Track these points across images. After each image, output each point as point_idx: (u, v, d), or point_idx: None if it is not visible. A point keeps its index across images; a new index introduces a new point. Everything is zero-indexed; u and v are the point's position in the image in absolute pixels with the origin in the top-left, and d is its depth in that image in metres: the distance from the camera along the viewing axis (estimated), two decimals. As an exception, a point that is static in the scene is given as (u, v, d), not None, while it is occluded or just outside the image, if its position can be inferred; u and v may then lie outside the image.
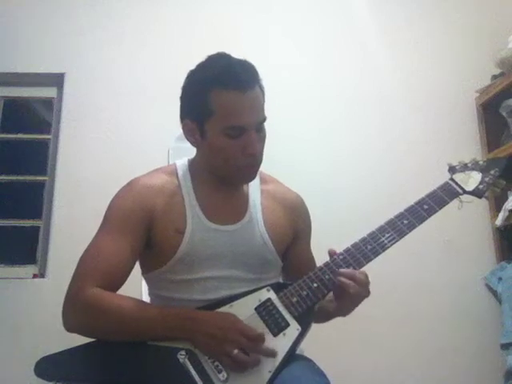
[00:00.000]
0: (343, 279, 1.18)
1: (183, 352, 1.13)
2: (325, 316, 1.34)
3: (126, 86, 2.75)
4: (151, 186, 1.30)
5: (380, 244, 1.24)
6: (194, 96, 1.27)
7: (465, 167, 1.44)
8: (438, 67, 2.86)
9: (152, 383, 1.12)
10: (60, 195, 2.61)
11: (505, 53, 2.59)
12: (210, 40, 2.64)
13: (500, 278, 2.51)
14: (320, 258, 1.28)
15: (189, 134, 1.31)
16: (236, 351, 1.09)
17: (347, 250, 1.24)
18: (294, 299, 1.19)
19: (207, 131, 1.26)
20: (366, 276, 1.22)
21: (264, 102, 1.29)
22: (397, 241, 1.25)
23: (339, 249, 1.25)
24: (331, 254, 1.24)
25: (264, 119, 1.28)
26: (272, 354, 1.12)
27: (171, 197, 1.29)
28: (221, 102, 1.22)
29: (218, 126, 1.23)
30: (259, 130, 1.26)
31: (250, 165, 1.28)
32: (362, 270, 1.22)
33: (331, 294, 1.22)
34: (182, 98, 1.32)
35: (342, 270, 1.20)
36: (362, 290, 1.19)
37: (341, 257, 1.23)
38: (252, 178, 1.33)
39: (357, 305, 1.24)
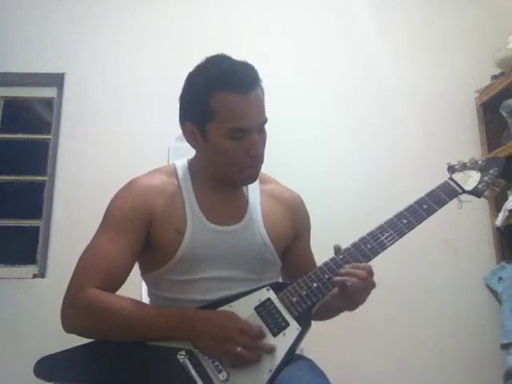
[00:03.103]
0: (341, 277, 1.18)
1: (183, 352, 1.13)
2: (332, 312, 1.34)
3: (126, 86, 2.75)
4: (151, 186, 1.30)
5: (379, 243, 1.24)
6: (196, 98, 1.27)
7: (464, 166, 1.44)
8: (438, 67, 2.86)
9: (152, 383, 1.12)
10: (60, 195, 2.61)
11: (505, 53, 2.59)
12: (209, 40, 2.64)
13: (500, 278, 2.51)
14: (320, 257, 1.28)
15: (190, 136, 1.30)
16: (239, 349, 1.09)
17: (347, 250, 1.24)
18: (294, 299, 1.19)
19: (209, 134, 1.25)
20: (368, 269, 1.20)
21: (264, 102, 1.29)
22: (396, 240, 1.25)
23: (339, 248, 1.25)
24: (337, 249, 1.23)
25: (266, 120, 1.28)
26: (272, 350, 1.12)
27: (171, 197, 1.29)
28: (223, 105, 1.22)
29: (221, 128, 1.23)
30: (261, 131, 1.27)
31: (252, 166, 1.28)
32: (364, 264, 1.21)
33: (336, 288, 1.21)
34: (183, 101, 1.31)
35: (341, 270, 1.19)
36: (363, 285, 1.18)
37: (340, 256, 1.23)
38: (254, 179, 1.33)
39: (363, 299, 1.22)
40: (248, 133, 1.23)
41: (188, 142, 1.32)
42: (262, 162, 1.31)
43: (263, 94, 1.28)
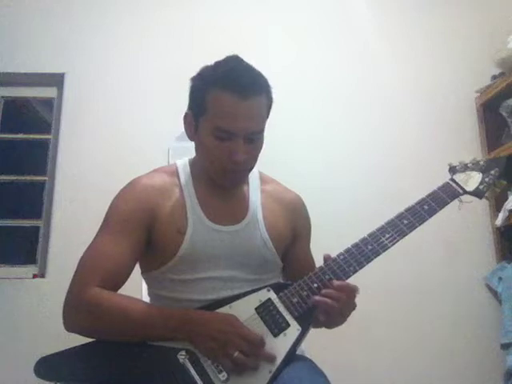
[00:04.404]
0: (319, 298, 1.16)
1: (183, 352, 1.13)
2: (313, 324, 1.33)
3: (126, 85, 2.75)
4: (152, 186, 1.30)
5: (380, 244, 1.24)
6: (195, 90, 1.29)
7: (465, 167, 1.44)
8: (438, 67, 2.86)
9: (152, 383, 1.12)
10: (60, 195, 2.61)
11: (505, 53, 2.59)
12: (210, 40, 2.65)
13: (500, 278, 2.51)
14: (319, 258, 1.28)
15: (187, 125, 1.32)
16: (237, 353, 1.09)
17: (348, 251, 1.24)
18: (295, 299, 1.19)
19: (199, 127, 1.27)
20: (351, 291, 1.18)
21: (266, 114, 1.28)
22: (397, 241, 1.25)
23: (339, 249, 1.25)
24: (326, 259, 1.23)
25: (258, 131, 1.26)
26: (271, 358, 1.12)
27: (172, 197, 1.29)
28: (215, 102, 1.22)
29: (208, 124, 1.24)
30: (250, 140, 1.24)
31: (233, 170, 1.27)
32: (348, 285, 1.19)
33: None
34: (190, 89, 1.32)
35: (322, 291, 1.17)
36: (341, 307, 1.17)
37: (341, 257, 1.22)
38: (235, 183, 1.33)
39: (342, 320, 1.22)
40: (233, 136, 1.22)
41: (185, 130, 1.33)
42: (246, 170, 1.30)
43: (268, 105, 1.27)
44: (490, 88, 2.72)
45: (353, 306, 1.21)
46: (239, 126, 1.22)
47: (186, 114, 1.32)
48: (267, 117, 1.29)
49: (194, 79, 1.31)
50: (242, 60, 1.27)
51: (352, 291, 1.19)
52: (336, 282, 1.18)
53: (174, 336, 1.13)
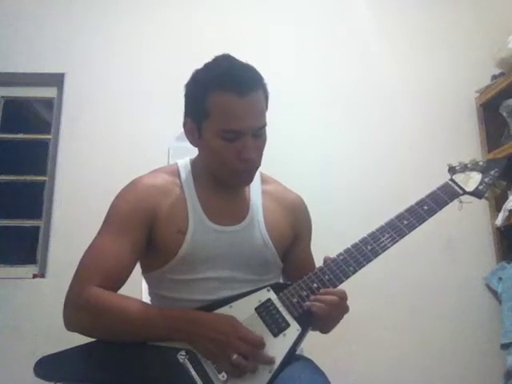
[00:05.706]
0: (311, 303, 1.18)
1: (183, 352, 1.13)
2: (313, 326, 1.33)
3: (126, 85, 2.75)
4: (153, 186, 1.30)
5: (380, 244, 1.24)
6: (194, 96, 1.27)
7: (465, 168, 1.44)
8: (438, 67, 2.86)
9: (152, 383, 1.12)
10: (60, 195, 2.61)
11: (505, 53, 2.59)
12: (210, 40, 2.64)
13: (500, 278, 2.51)
14: (319, 258, 1.28)
15: (188, 132, 1.31)
16: (235, 356, 1.09)
17: (347, 251, 1.24)
18: (294, 299, 1.19)
19: (204, 131, 1.26)
20: (341, 296, 1.19)
21: (266, 107, 1.28)
22: (397, 241, 1.25)
23: (339, 249, 1.25)
24: (325, 259, 1.24)
25: (263, 125, 1.26)
26: (271, 360, 1.12)
27: (173, 197, 1.29)
28: (218, 104, 1.21)
29: (214, 127, 1.23)
30: (257, 136, 1.25)
31: (245, 169, 1.27)
32: (337, 289, 1.20)
33: None
34: (185, 97, 1.32)
35: (312, 298, 1.19)
36: (333, 311, 1.18)
37: (341, 257, 1.23)
38: (247, 182, 1.33)
39: (334, 324, 1.24)
40: (241, 135, 1.22)
41: (187, 138, 1.33)
42: (256, 167, 1.30)
43: (266, 98, 1.28)
44: (490, 88, 2.72)
45: (345, 309, 1.22)
46: (246, 124, 1.22)
47: (185, 121, 1.31)
48: (267, 109, 1.29)
49: (189, 85, 1.30)
50: (234, 58, 1.27)
51: (342, 294, 1.19)
52: (325, 290, 1.19)
53: (174, 336, 1.13)
